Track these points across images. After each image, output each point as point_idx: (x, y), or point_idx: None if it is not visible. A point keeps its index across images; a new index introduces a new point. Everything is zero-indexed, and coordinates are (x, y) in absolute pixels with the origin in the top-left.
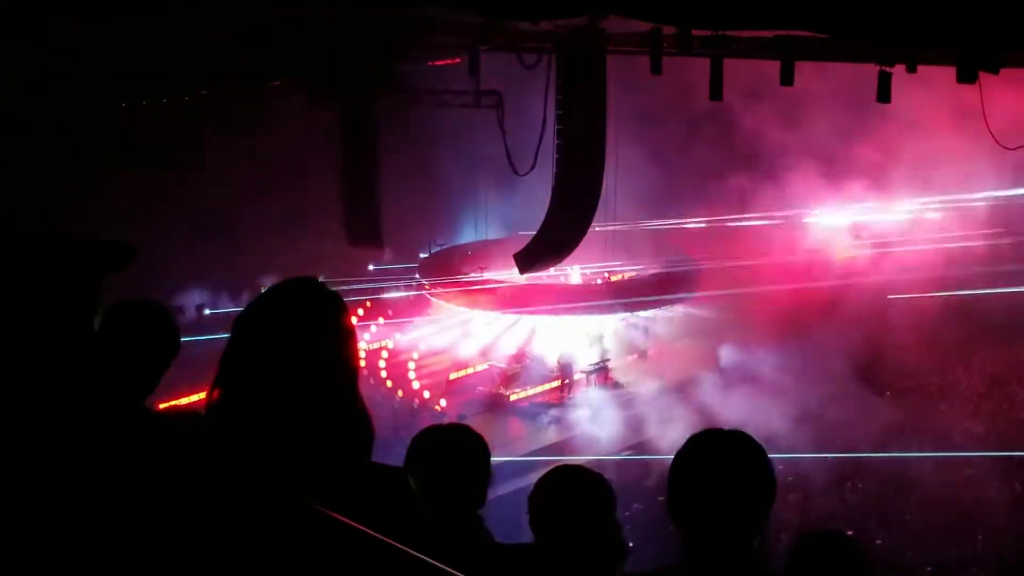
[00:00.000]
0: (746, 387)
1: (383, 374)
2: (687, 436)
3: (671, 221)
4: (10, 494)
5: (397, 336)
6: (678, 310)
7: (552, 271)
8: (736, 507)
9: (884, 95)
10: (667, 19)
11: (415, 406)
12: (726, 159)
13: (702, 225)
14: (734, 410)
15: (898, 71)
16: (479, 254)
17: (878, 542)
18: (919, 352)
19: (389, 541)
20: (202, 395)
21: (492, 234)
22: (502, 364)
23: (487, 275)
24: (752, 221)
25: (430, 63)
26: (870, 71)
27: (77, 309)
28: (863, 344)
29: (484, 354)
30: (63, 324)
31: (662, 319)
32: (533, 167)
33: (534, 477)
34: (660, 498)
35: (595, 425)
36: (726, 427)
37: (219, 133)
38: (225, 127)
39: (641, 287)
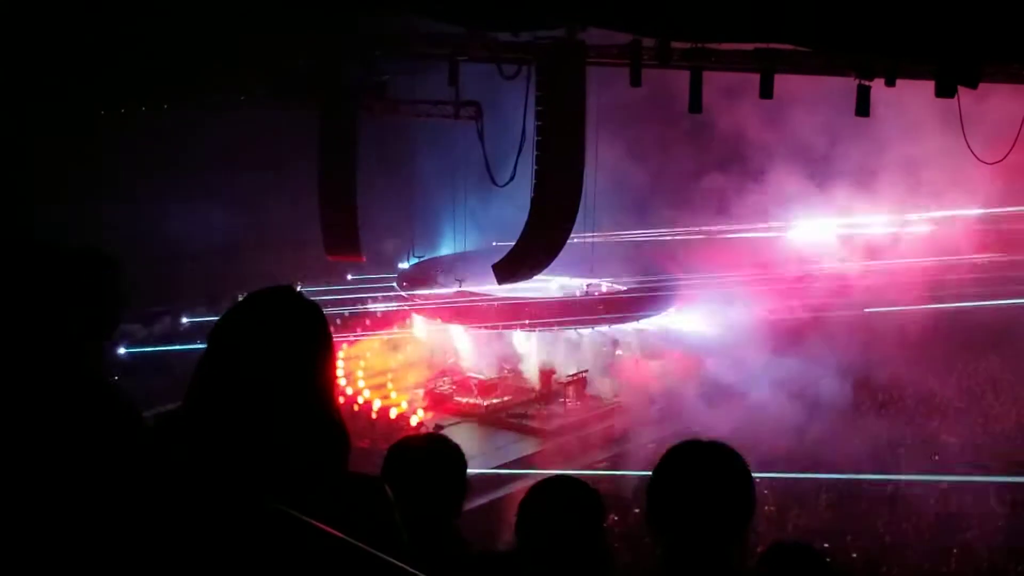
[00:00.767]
0: (727, 400)
1: (361, 383)
2: (666, 447)
3: (653, 231)
4: None
5: (375, 346)
6: (659, 322)
7: (532, 281)
8: (715, 519)
9: (863, 108)
10: (647, 31)
11: (393, 416)
12: (709, 165)
13: (685, 236)
14: (713, 421)
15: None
16: (459, 265)
17: (854, 555)
18: (898, 365)
19: (366, 548)
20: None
21: (472, 245)
22: (480, 374)
23: (466, 287)
24: (738, 233)
25: (410, 73)
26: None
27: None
28: (845, 358)
29: (462, 364)
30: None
31: (643, 331)
32: (512, 178)
33: (511, 488)
34: (636, 510)
35: (572, 436)
36: (705, 438)
37: (197, 142)
38: (204, 136)
39: (623, 300)
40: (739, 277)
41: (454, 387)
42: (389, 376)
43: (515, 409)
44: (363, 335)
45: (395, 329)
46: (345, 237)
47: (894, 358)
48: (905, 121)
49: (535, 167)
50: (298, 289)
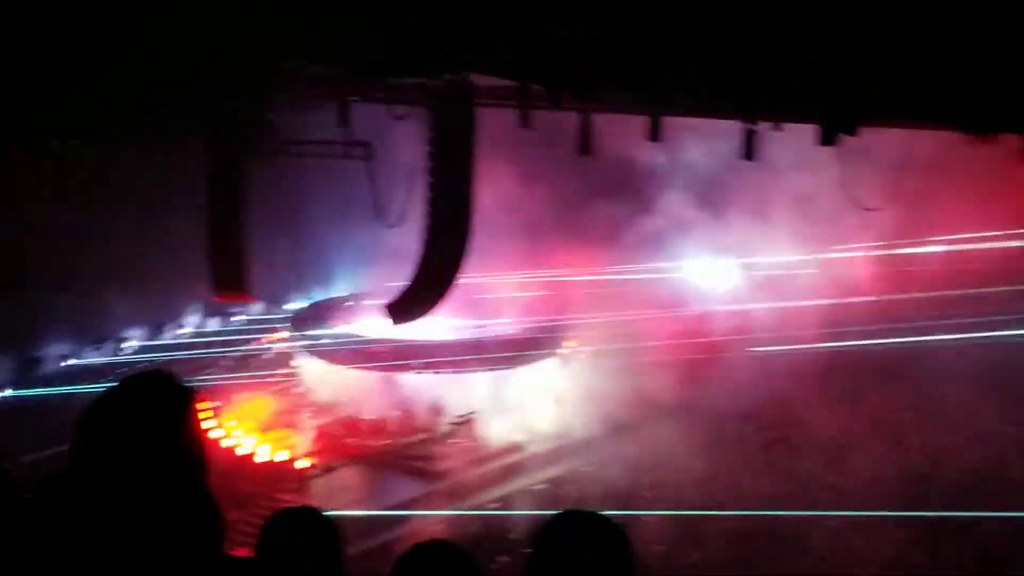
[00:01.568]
0: (621, 437)
1: (245, 428)
2: (558, 487)
3: (544, 273)
4: None
5: (264, 388)
6: (552, 364)
7: (423, 322)
8: None
9: (749, 153)
10: (534, 79)
11: (279, 460)
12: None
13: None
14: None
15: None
16: (350, 307)
17: None
18: (791, 403)
19: None
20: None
21: (365, 286)
22: (370, 416)
23: (356, 329)
24: (631, 275)
25: (300, 114)
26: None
27: None
28: (736, 397)
29: (351, 406)
30: None
31: (535, 373)
32: (403, 219)
33: (399, 530)
34: (526, 550)
35: (462, 476)
36: (583, 482)
37: (83, 184)
38: (89, 178)
39: (515, 342)
40: (633, 316)
41: (343, 429)
42: (277, 419)
43: (404, 451)
44: (251, 377)
45: (285, 371)
46: (234, 278)
47: (787, 396)
48: (798, 158)
49: (426, 207)
50: (168, 374)
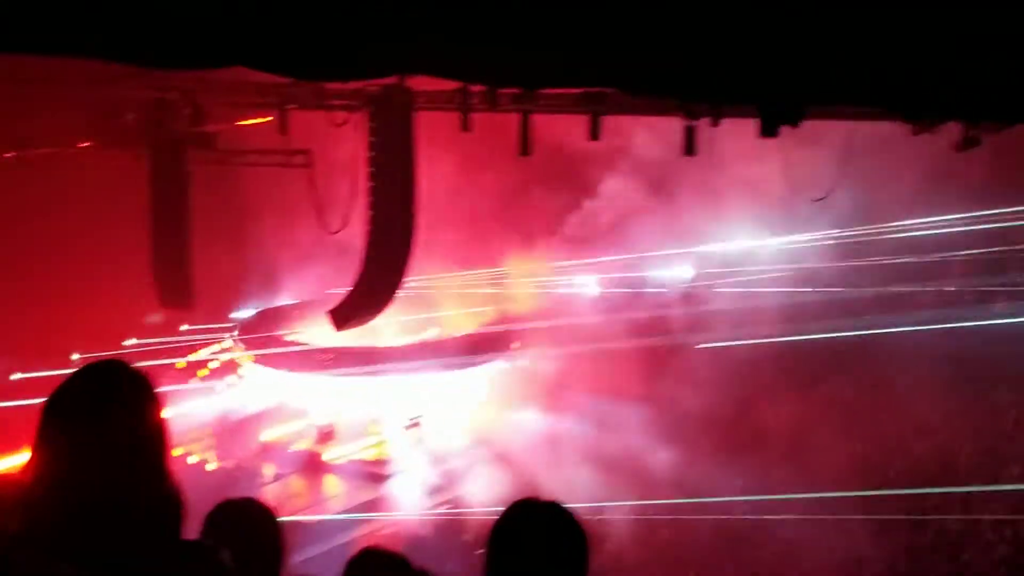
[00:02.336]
0: (561, 440)
1: (193, 439)
2: (501, 494)
3: (493, 270)
4: None
5: (210, 398)
6: (497, 367)
7: (367, 327)
8: None
9: (690, 148)
10: (474, 79)
11: (229, 469)
12: (546, 195)
13: (521, 282)
14: (554, 461)
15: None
16: (296, 314)
17: None
18: (727, 399)
19: None
20: (13, 458)
21: (307, 294)
22: (319, 422)
23: (304, 335)
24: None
25: (238, 123)
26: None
27: None
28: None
29: (299, 413)
30: None
31: (481, 375)
32: (345, 225)
33: (350, 535)
34: (478, 551)
35: (410, 481)
36: (542, 488)
37: (25, 195)
38: (30, 189)
39: (458, 345)
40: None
41: (292, 436)
42: (225, 428)
43: (354, 455)
44: (201, 384)
45: (232, 379)
46: (178, 287)
47: (735, 392)
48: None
49: (368, 212)
50: (124, 362)
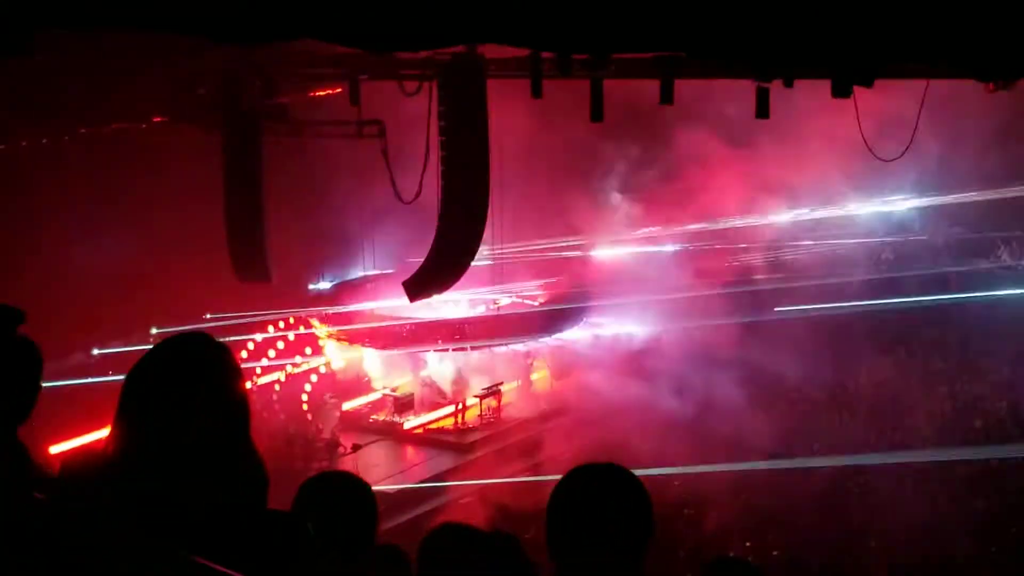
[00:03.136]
0: (643, 409)
1: (276, 408)
2: (582, 458)
3: (564, 242)
4: None
5: (289, 369)
6: (569, 337)
7: (442, 297)
8: (611, 543)
9: (763, 111)
10: (545, 46)
11: (310, 438)
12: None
13: (594, 251)
14: (628, 429)
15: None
16: (372, 286)
17: (775, 553)
18: (807, 363)
19: None
20: (94, 436)
21: (384, 264)
22: (395, 392)
23: (381, 307)
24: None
25: (311, 94)
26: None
27: None
28: (754, 357)
29: (377, 383)
30: None
31: (557, 344)
32: (419, 195)
33: (431, 504)
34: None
35: (490, 449)
36: (612, 450)
37: (102, 171)
38: (109, 165)
39: (535, 316)
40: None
41: (370, 406)
42: (304, 399)
43: (431, 425)
44: (277, 361)
45: (308, 352)
46: (254, 261)
47: (806, 357)
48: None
49: (441, 182)
50: (206, 335)
